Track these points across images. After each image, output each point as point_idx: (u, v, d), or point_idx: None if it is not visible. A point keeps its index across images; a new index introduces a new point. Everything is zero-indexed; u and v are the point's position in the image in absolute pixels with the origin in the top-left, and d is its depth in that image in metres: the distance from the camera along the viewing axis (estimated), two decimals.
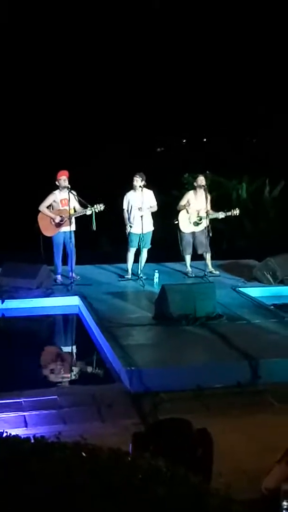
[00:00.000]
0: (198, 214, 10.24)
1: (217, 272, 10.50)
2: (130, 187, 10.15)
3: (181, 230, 10.35)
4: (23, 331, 8.57)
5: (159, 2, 22.92)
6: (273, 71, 25.41)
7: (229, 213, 10.44)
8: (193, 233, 10.37)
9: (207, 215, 10.14)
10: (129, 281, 10.23)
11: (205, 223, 10.23)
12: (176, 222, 10.34)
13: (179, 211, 10.34)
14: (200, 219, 10.21)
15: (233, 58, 26.33)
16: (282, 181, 15.57)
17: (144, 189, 10.01)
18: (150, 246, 10.25)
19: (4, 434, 2.60)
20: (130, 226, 10.05)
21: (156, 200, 10.19)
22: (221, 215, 10.39)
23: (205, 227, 10.23)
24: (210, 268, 10.51)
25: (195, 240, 10.39)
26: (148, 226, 10.10)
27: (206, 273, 10.36)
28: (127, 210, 10.10)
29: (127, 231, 10.15)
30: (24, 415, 5.64)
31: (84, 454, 2.36)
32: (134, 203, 10.02)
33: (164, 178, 15.70)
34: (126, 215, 10.12)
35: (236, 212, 10.50)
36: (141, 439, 3.47)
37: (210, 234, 10.19)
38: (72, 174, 9.86)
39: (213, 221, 10.39)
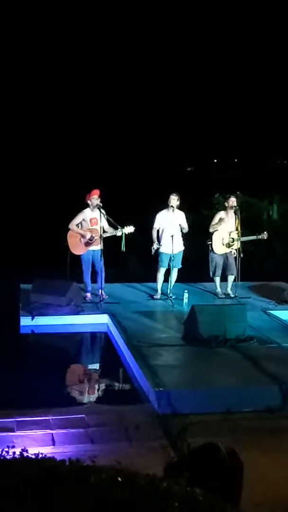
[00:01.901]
0: (230, 235, 10.21)
1: (233, 294, 10.38)
2: (161, 207, 10.14)
3: (213, 251, 10.31)
4: (52, 347, 8.60)
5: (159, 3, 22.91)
6: None
7: (259, 237, 10.41)
8: (225, 255, 10.32)
9: (238, 238, 10.11)
10: (159, 301, 10.20)
11: (236, 245, 10.19)
12: (210, 242, 10.31)
13: (212, 232, 10.30)
14: (233, 241, 10.17)
15: (264, 79, 26.32)
16: None
17: (176, 209, 10.02)
18: (180, 266, 10.23)
19: (40, 456, 2.59)
20: (158, 246, 10.02)
21: (187, 220, 10.19)
22: (250, 238, 10.38)
23: (237, 249, 10.18)
24: (229, 290, 10.44)
25: (226, 261, 10.33)
26: (178, 246, 10.09)
27: (236, 294, 10.30)
28: (158, 230, 10.11)
29: (153, 249, 10.09)
30: (51, 433, 5.62)
31: (120, 479, 2.33)
32: (166, 222, 10.01)
33: (194, 198, 15.72)
34: (155, 234, 10.11)
35: (265, 235, 10.45)
36: (175, 467, 3.42)
37: (241, 256, 10.14)
38: (103, 194, 9.92)
39: (243, 243, 10.35)
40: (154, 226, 10.11)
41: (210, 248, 10.32)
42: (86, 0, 24.97)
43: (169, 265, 10.09)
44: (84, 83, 26.26)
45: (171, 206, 9.97)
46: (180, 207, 10.13)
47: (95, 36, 25.57)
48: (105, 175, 19.96)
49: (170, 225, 9.99)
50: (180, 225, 10.06)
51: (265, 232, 10.59)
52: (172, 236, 9.88)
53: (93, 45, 25.76)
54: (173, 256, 9.98)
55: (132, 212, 11.20)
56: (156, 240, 10.07)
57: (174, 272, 10.20)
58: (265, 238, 10.56)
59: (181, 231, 10.11)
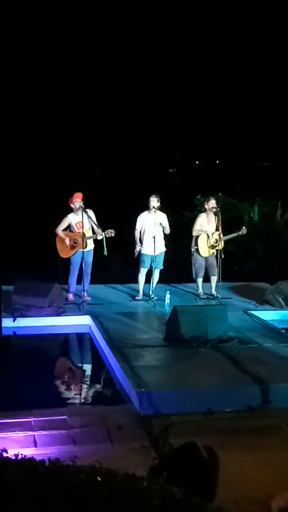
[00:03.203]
0: (213, 237, 10.26)
1: (219, 295, 10.45)
2: (143, 208, 10.19)
3: (199, 254, 10.35)
4: (34, 349, 8.58)
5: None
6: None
7: (239, 233, 10.50)
8: (207, 257, 10.38)
9: (220, 238, 10.17)
10: (140, 302, 10.23)
11: (220, 245, 10.25)
12: (196, 247, 10.35)
13: (195, 236, 10.35)
14: (216, 242, 10.22)
15: (251, 83, 26.47)
16: None
17: (157, 211, 10.07)
18: (162, 267, 10.27)
19: (19, 456, 2.60)
20: (140, 247, 10.07)
21: (168, 221, 10.23)
22: (232, 236, 10.45)
23: (219, 250, 10.25)
24: (213, 291, 10.51)
25: (207, 262, 10.41)
26: (160, 247, 10.13)
27: (218, 295, 10.37)
28: (140, 231, 10.14)
29: (135, 251, 10.15)
30: (33, 435, 5.61)
31: (99, 479, 2.35)
32: (148, 224, 10.06)
33: (176, 200, 15.79)
34: (137, 235, 10.15)
35: (244, 231, 10.54)
36: (156, 469, 3.45)
37: (222, 256, 10.21)
38: (85, 196, 9.94)
39: (226, 243, 10.43)
40: (136, 228, 10.15)
41: (195, 251, 10.37)
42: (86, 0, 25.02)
43: (150, 266, 10.14)
44: (76, 81, 26.27)
45: (152, 207, 10.02)
46: (162, 209, 10.17)
47: (94, 36, 25.59)
48: (85, 177, 19.96)
49: (151, 227, 10.03)
50: (162, 226, 10.10)
51: (244, 228, 10.70)
52: (153, 237, 9.93)
53: (93, 45, 25.78)
54: (154, 257, 10.03)
55: (114, 213, 11.21)
56: (138, 241, 10.11)
57: (156, 273, 10.25)
58: (245, 233, 10.67)
59: (163, 232, 10.15)
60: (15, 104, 24.70)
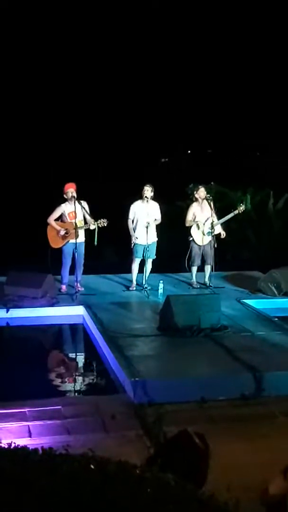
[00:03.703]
0: (208, 223, 10.21)
1: (211, 284, 10.46)
2: (135, 198, 10.18)
3: (195, 243, 10.34)
4: (28, 340, 8.60)
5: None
6: (280, 86, 25.49)
7: (236, 211, 10.43)
8: (203, 245, 10.36)
9: (212, 225, 10.15)
10: (134, 291, 10.24)
11: (216, 230, 10.24)
12: (191, 239, 10.34)
13: (189, 227, 10.34)
14: (212, 227, 10.19)
15: (241, 74, 26.43)
16: (286, 194, 15.61)
17: (150, 200, 10.06)
18: (155, 257, 10.27)
19: (12, 445, 2.60)
20: (136, 237, 10.07)
21: (161, 211, 10.23)
22: (229, 216, 10.40)
23: (212, 238, 10.25)
24: (206, 280, 10.52)
25: (203, 251, 10.37)
26: (152, 237, 10.13)
27: (210, 284, 10.39)
28: (132, 221, 10.14)
29: (132, 242, 10.15)
30: (28, 425, 5.63)
31: (92, 467, 2.36)
32: (140, 213, 10.05)
33: (168, 189, 15.76)
34: (131, 225, 10.14)
35: (242, 208, 10.49)
36: (152, 458, 3.46)
37: (216, 245, 10.22)
38: (79, 186, 9.91)
39: (222, 226, 10.36)
40: (129, 217, 10.14)
41: (191, 241, 10.35)
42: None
43: (143, 256, 10.14)
44: (76, 80, 26.18)
45: (145, 197, 10.01)
46: (154, 198, 10.17)
47: (94, 36, 25.47)
48: (78, 167, 19.90)
49: (144, 216, 10.02)
50: (155, 217, 10.09)
51: (242, 205, 10.66)
52: (146, 227, 9.92)
53: (93, 44, 25.67)
54: (147, 246, 10.03)
55: (106, 203, 11.19)
56: (132, 231, 10.10)
57: (149, 263, 10.25)
58: (243, 209, 10.60)
59: (156, 223, 10.14)
60: (14, 104, 24.62)
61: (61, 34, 25.12)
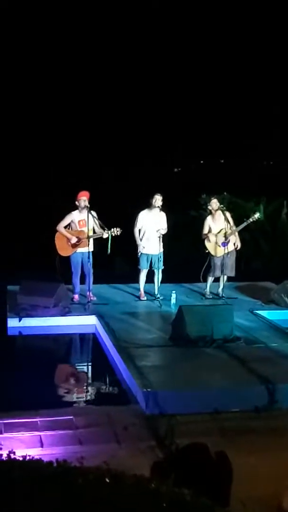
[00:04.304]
0: (224, 235, 10.14)
1: (224, 295, 10.40)
2: (145, 206, 10.12)
3: (212, 255, 10.30)
4: (40, 349, 8.59)
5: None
6: None
7: (251, 219, 10.38)
8: (222, 256, 10.26)
9: (232, 230, 10.08)
10: (146, 301, 10.21)
11: (232, 241, 10.19)
12: (207, 251, 10.30)
13: (203, 240, 10.30)
14: (227, 238, 10.14)
15: (253, 83, 26.38)
16: None
17: (158, 209, 10.01)
18: (162, 267, 10.16)
19: (27, 458, 2.59)
20: (143, 247, 10.02)
21: (174, 221, 10.17)
22: (243, 225, 10.35)
23: (234, 248, 10.20)
24: (220, 290, 10.45)
25: (223, 261, 10.25)
26: (160, 247, 10.05)
27: (223, 295, 10.34)
28: (139, 230, 10.07)
29: (139, 252, 10.08)
30: (40, 435, 5.61)
31: (107, 480, 2.34)
32: (149, 223, 10.01)
33: (181, 199, 15.77)
34: (138, 235, 10.05)
35: (256, 216, 10.44)
36: (162, 467, 3.43)
37: (238, 247, 10.14)
38: (91, 195, 9.91)
39: (240, 234, 10.38)
40: (137, 226, 10.06)
41: (209, 253, 10.31)
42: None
43: (151, 266, 10.10)
44: (79, 82, 26.25)
45: (157, 206, 9.94)
46: (164, 208, 10.10)
47: (96, 37, 25.57)
48: (88, 176, 19.95)
49: (152, 226, 9.98)
50: (162, 226, 10.02)
51: (257, 213, 10.61)
52: (159, 236, 9.90)
53: (92, 45, 25.77)
54: (153, 257, 10.00)
55: (119, 212, 11.18)
56: (139, 240, 10.04)
57: (159, 273, 10.19)
58: (257, 217, 10.54)
59: (162, 233, 10.04)
60: (12, 103, 24.73)
61: (63, 35, 25.19)
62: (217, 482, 3.52)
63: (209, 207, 10.44)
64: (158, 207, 9.95)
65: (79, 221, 9.81)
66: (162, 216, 10.09)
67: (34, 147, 24.70)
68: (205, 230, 10.30)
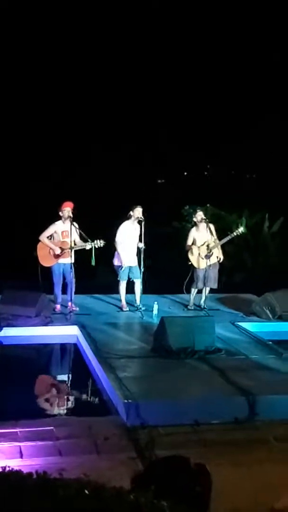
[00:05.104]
0: (207, 247, 10.21)
1: (206, 306, 10.44)
2: (126, 218, 10.13)
3: (195, 267, 10.34)
4: (21, 359, 8.55)
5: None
6: (275, 106, 25.61)
7: (235, 233, 10.44)
8: (205, 268, 10.31)
9: (215, 243, 10.15)
10: (128, 312, 10.22)
11: (216, 252, 10.25)
12: (190, 263, 10.34)
13: (187, 251, 10.35)
14: (210, 251, 10.20)
15: (237, 90, 26.46)
16: (282, 217, 15.69)
17: (136, 222, 10.04)
18: (141, 278, 10.16)
19: (7, 469, 2.58)
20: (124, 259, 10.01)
21: (156, 232, 10.22)
22: (227, 238, 10.41)
23: (217, 260, 10.26)
24: (202, 302, 10.49)
25: (206, 274, 10.29)
26: (137, 258, 10.07)
27: (205, 306, 10.39)
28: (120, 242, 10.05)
29: (122, 265, 10.07)
30: (19, 446, 5.58)
31: (87, 492, 2.34)
32: (129, 235, 10.03)
33: (164, 210, 15.83)
34: (121, 247, 10.06)
35: (240, 230, 10.51)
36: (141, 479, 3.43)
37: (221, 260, 10.18)
38: (75, 205, 9.91)
39: (223, 248, 10.43)
40: (119, 239, 10.03)
41: (192, 265, 10.35)
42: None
43: (129, 277, 10.12)
44: (77, 82, 26.20)
45: (139, 218, 9.95)
46: (147, 220, 10.10)
47: (93, 37, 25.55)
48: (71, 186, 19.93)
49: (131, 238, 10.01)
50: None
51: (241, 227, 10.69)
52: (132, 248, 9.93)
53: (91, 45, 25.77)
54: (133, 268, 10.03)
55: (102, 223, 11.19)
56: (123, 252, 10.03)
57: (137, 284, 10.20)
58: (241, 232, 10.60)
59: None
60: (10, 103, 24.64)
61: (61, 36, 25.16)
62: (196, 494, 3.52)
63: (194, 219, 10.49)
64: (141, 219, 9.95)
65: (62, 232, 9.81)
66: (139, 228, 10.04)
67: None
68: (189, 242, 10.36)
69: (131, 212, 10.07)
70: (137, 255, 10.04)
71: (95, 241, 9.62)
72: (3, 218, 16.86)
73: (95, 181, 23.42)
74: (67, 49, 25.32)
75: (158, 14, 25.39)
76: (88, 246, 9.63)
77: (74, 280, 9.84)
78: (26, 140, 25.52)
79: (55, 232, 9.85)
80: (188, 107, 27.17)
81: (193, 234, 10.39)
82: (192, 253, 10.31)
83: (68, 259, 9.71)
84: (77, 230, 9.72)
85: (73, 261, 9.79)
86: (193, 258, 10.32)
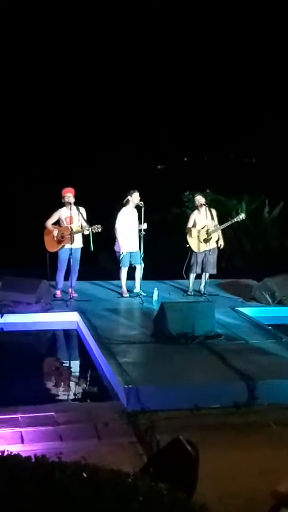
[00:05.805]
0: (206, 231, 10.22)
1: (206, 292, 10.46)
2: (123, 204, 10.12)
3: (193, 251, 10.34)
4: (21, 345, 8.58)
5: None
6: (276, 94, 25.53)
7: (235, 219, 10.45)
8: (204, 253, 10.34)
9: (216, 227, 10.14)
10: (128, 298, 10.24)
11: (216, 237, 10.25)
12: (188, 246, 10.34)
13: (187, 234, 10.35)
14: (209, 235, 10.21)
15: (238, 79, 26.42)
16: (282, 202, 15.67)
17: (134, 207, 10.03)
18: (142, 263, 10.18)
19: (6, 453, 2.60)
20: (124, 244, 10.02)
21: (155, 217, 10.22)
22: (227, 223, 10.41)
23: (217, 245, 10.27)
24: (202, 287, 10.50)
25: (205, 259, 10.34)
26: (138, 244, 10.08)
27: (205, 292, 10.40)
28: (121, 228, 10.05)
29: (122, 251, 10.07)
30: (20, 431, 5.62)
31: (84, 475, 2.37)
32: (128, 221, 10.02)
33: (164, 196, 15.80)
34: (121, 233, 10.05)
35: (241, 216, 10.51)
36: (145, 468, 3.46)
37: (211, 253, 10.21)
38: (77, 191, 9.92)
39: (223, 232, 10.43)
40: (119, 225, 10.02)
41: (190, 248, 10.36)
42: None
43: (130, 263, 10.13)
44: (72, 84, 26.18)
45: (139, 204, 9.95)
46: (146, 205, 10.09)
47: (93, 37, 25.49)
48: (75, 171, 19.91)
49: (131, 223, 10.01)
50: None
51: (242, 213, 10.70)
52: (133, 234, 9.92)
53: (91, 45, 25.70)
54: (134, 254, 10.03)
55: (102, 209, 11.18)
56: (123, 238, 10.03)
57: (138, 270, 10.21)
58: (242, 218, 10.59)
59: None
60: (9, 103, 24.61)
61: (61, 36, 25.09)
62: (188, 471, 3.52)
63: (196, 203, 10.49)
64: (139, 204, 9.94)
65: (65, 218, 9.83)
66: (137, 213, 10.04)
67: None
68: (190, 224, 10.36)
69: (128, 197, 10.05)
70: (138, 240, 10.04)
71: (93, 226, 9.63)
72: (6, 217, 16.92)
73: (95, 181, 23.35)
74: (67, 49, 25.23)
75: (158, 14, 25.24)
76: (85, 231, 9.65)
77: (77, 267, 9.90)
78: (26, 140, 25.49)
79: (60, 218, 9.88)
80: (188, 107, 27.14)
81: (195, 216, 10.40)
82: (191, 235, 10.31)
83: (74, 244, 9.73)
84: (82, 215, 9.73)
85: (79, 246, 9.83)
86: (192, 241, 10.32)
